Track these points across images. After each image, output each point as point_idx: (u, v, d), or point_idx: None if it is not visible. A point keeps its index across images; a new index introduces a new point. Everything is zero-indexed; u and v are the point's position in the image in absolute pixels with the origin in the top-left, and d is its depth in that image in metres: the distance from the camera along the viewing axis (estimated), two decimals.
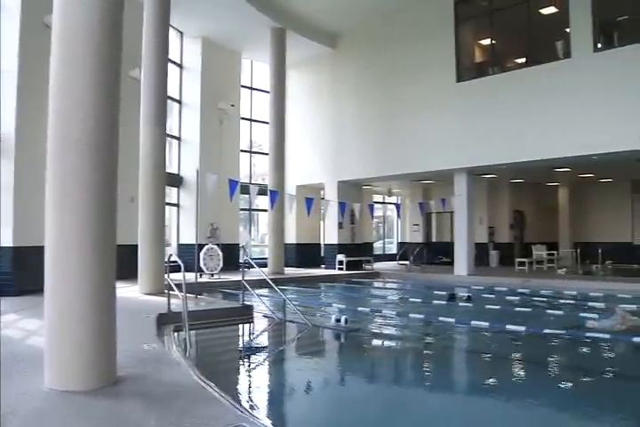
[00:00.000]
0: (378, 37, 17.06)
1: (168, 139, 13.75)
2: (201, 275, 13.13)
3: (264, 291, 10.77)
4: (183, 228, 16.13)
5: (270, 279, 9.21)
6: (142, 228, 10.52)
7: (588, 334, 7.05)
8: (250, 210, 19.41)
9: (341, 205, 15.53)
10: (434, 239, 23.09)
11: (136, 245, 10.52)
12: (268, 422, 3.86)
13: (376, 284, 15.44)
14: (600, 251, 17.90)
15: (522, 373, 5.90)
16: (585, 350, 6.88)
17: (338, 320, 7.95)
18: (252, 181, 18.81)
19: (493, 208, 20.48)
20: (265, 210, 17.37)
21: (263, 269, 14.15)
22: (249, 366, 6.24)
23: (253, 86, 19.34)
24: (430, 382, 5.51)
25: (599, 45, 12.55)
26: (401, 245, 23.93)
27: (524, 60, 14.43)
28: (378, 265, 19.41)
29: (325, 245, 18.92)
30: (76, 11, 4.16)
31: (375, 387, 5.38)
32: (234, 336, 8.31)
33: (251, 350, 7.02)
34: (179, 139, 16.73)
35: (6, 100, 9.68)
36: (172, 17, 11.89)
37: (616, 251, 19.48)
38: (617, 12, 13.26)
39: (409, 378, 5.70)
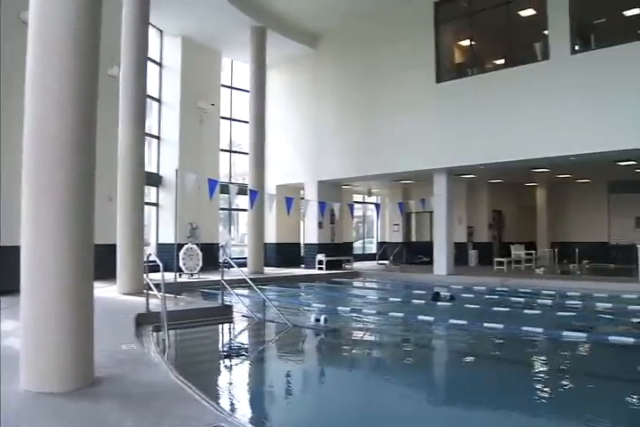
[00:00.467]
0: (358, 38, 17.09)
1: (147, 138, 13.67)
2: (180, 275, 13.09)
3: (244, 291, 10.76)
4: (162, 227, 16.01)
5: (250, 279, 9.18)
6: (121, 227, 10.44)
7: (565, 333, 7.15)
8: (229, 209, 19.37)
9: (321, 205, 15.54)
10: (413, 239, 23.19)
11: (114, 245, 10.44)
12: (246, 422, 3.85)
13: (356, 283, 15.50)
14: (577, 250, 18.19)
15: (499, 371, 5.96)
16: (562, 348, 6.97)
17: (317, 320, 7.99)
18: (232, 181, 18.73)
19: (472, 208, 20.66)
20: (245, 210, 17.32)
21: (243, 268, 14.17)
22: (228, 366, 6.23)
23: (233, 86, 19.30)
24: (408, 380, 5.54)
25: (576, 47, 12.73)
26: (381, 244, 24.04)
27: (503, 61, 14.60)
28: (357, 265, 19.48)
29: (305, 244, 18.91)
30: (52, 7, 4.08)
31: (353, 386, 5.39)
32: (213, 336, 8.29)
33: (230, 350, 7.00)
34: (158, 138, 16.61)
35: None
36: (152, 15, 11.80)
37: (593, 250, 19.77)
38: (594, 15, 13.49)
39: (387, 377, 5.72)
